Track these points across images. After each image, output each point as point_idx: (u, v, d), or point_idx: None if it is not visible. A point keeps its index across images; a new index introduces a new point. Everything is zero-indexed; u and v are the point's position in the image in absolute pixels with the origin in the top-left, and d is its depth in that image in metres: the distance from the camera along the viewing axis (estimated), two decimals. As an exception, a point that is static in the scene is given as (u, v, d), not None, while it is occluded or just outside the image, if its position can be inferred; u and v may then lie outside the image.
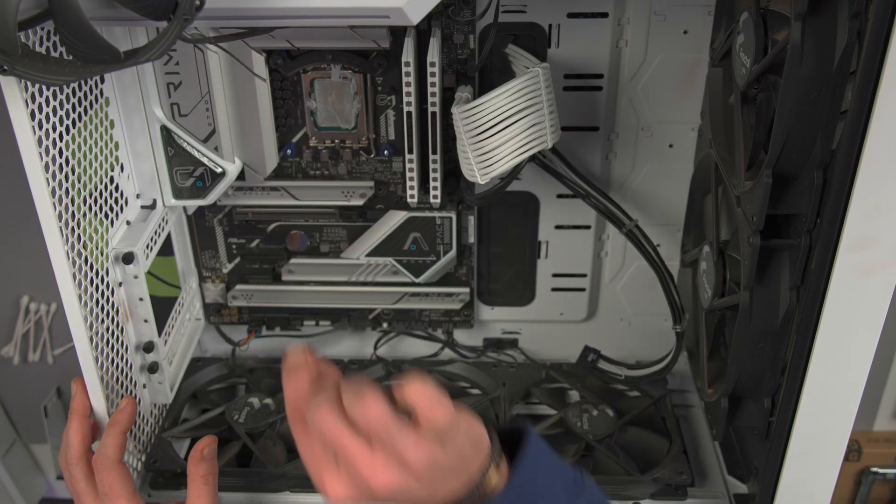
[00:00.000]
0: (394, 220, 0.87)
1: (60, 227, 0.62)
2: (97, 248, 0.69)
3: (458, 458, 0.54)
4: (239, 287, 0.93)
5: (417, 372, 0.63)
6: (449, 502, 0.55)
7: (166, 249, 0.84)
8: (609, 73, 0.81)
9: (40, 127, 0.59)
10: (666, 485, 0.79)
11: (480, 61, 0.78)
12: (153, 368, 0.79)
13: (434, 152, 0.76)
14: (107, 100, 0.72)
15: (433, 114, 0.74)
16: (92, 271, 0.68)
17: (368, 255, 0.90)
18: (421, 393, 0.54)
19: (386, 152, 0.83)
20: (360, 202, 0.86)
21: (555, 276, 0.94)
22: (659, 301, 0.82)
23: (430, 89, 0.73)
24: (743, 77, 0.64)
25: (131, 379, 0.77)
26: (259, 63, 0.77)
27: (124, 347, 0.75)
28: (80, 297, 0.65)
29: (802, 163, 0.58)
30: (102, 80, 0.71)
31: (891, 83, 0.51)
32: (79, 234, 0.65)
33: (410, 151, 0.76)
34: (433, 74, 0.72)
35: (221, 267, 0.93)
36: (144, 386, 0.80)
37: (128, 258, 0.73)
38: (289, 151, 0.84)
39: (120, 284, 0.74)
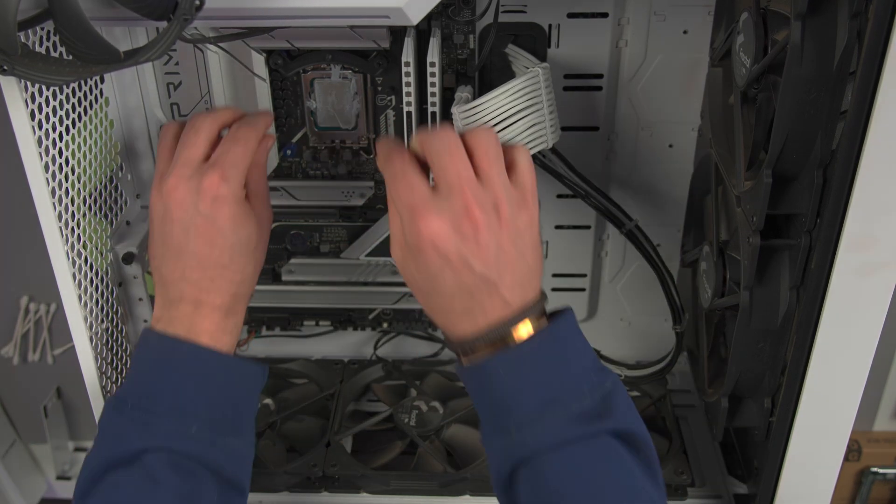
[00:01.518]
0: (394, 220, 0.87)
1: (60, 227, 0.62)
2: (97, 248, 0.69)
3: (518, 255, 0.56)
4: (239, 287, 0.93)
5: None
6: (473, 326, 0.56)
7: (166, 249, 0.84)
8: (609, 73, 0.81)
9: (40, 127, 0.59)
10: (666, 485, 0.79)
11: (480, 61, 0.78)
12: (153, 368, 0.79)
13: (434, 152, 0.76)
14: (107, 100, 0.72)
15: (433, 114, 0.74)
16: (92, 271, 0.68)
17: (368, 255, 0.90)
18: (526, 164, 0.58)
19: (386, 152, 0.83)
20: (360, 202, 0.86)
21: (555, 276, 0.94)
22: (659, 301, 0.82)
23: (429, 89, 0.73)
24: (743, 77, 0.64)
25: (131, 379, 0.77)
26: (259, 63, 0.77)
27: (124, 347, 0.75)
28: (80, 297, 0.65)
29: (802, 163, 0.58)
30: (102, 80, 0.71)
31: (891, 83, 0.51)
32: (79, 234, 0.65)
33: (410, 151, 0.76)
34: (433, 74, 0.72)
35: (221, 267, 0.92)
36: (144, 386, 0.80)
37: (128, 258, 0.73)
38: (289, 151, 0.84)
39: (120, 284, 0.74)
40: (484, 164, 0.56)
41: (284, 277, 0.92)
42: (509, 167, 0.58)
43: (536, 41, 0.79)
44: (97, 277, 0.69)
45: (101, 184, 0.70)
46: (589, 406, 0.55)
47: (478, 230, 0.54)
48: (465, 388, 0.60)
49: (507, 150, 0.58)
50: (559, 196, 0.88)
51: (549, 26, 0.78)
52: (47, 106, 0.60)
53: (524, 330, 0.56)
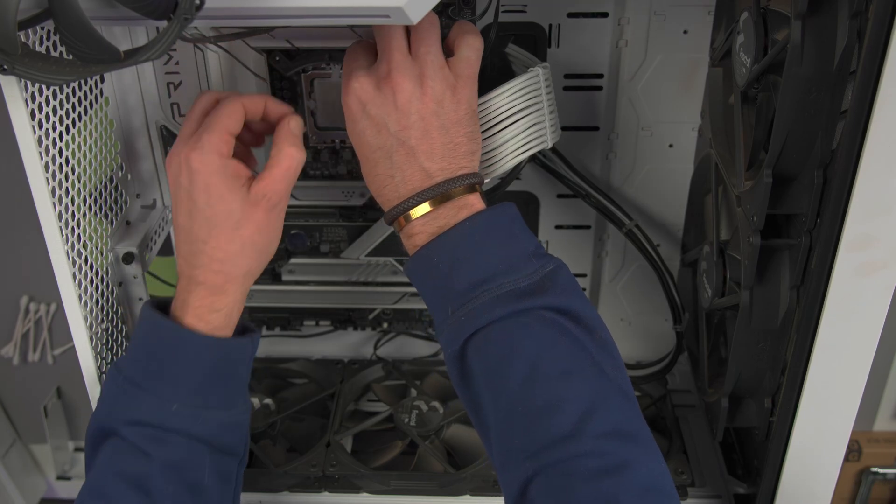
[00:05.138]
0: (394, 220, 0.87)
1: (60, 227, 0.62)
2: (97, 248, 0.69)
3: (440, 128, 0.59)
4: (239, 287, 0.93)
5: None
6: (396, 193, 0.60)
7: (166, 249, 0.84)
8: (609, 72, 0.81)
9: (40, 127, 0.59)
10: (666, 485, 0.79)
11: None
12: (153, 368, 0.79)
13: (434, 152, 0.76)
14: (107, 100, 0.72)
15: (433, 114, 0.74)
16: (92, 271, 0.68)
17: (368, 254, 0.90)
18: (471, 41, 0.62)
19: (386, 152, 0.83)
20: (360, 202, 0.86)
21: (555, 276, 0.93)
22: (659, 301, 0.82)
23: (430, 89, 0.73)
24: (743, 77, 0.64)
25: (131, 379, 0.77)
26: (259, 63, 0.77)
27: (124, 348, 0.75)
28: (80, 297, 0.65)
29: (802, 162, 0.58)
30: (102, 80, 0.71)
31: (891, 83, 0.51)
32: (79, 234, 0.65)
33: (410, 151, 0.76)
34: (433, 74, 0.72)
35: (221, 267, 0.92)
36: (144, 386, 0.80)
37: (128, 258, 0.73)
38: (289, 151, 0.83)
39: (120, 284, 0.74)
40: (415, 43, 0.60)
41: (284, 277, 0.92)
42: (451, 54, 0.62)
43: (536, 41, 0.79)
44: (97, 277, 0.69)
45: (101, 184, 0.70)
46: (525, 286, 0.57)
47: (396, 93, 0.59)
48: (413, 286, 0.63)
49: (456, 39, 0.62)
50: (559, 196, 0.88)
51: (549, 26, 0.78)
52: (47, 106, 0.60)
53: (451, 206, 0.59)
